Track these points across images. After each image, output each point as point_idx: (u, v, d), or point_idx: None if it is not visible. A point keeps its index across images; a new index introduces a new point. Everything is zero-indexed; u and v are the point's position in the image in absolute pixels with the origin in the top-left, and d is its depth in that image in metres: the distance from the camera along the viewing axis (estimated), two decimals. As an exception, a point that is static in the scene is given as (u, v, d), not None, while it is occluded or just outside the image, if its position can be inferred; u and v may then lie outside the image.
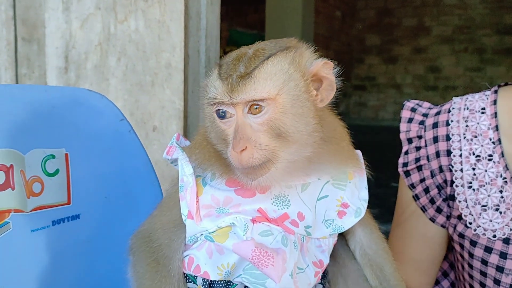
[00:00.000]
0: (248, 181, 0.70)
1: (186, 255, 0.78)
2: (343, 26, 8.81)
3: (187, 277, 0.78)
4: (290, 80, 0.70)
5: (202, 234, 0.76)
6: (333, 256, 0.85)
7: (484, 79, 7.99)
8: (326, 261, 0.81)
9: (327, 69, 0.75)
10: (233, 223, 0.74)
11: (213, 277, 0.76)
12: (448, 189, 1.08)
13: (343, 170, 0.80)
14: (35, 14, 1.74)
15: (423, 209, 1.12)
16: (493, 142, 1.03)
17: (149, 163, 1.02)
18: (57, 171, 0.88)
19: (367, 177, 0.84)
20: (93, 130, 0.95)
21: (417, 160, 1.12)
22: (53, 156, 0.88)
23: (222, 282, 0.76)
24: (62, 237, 0.88)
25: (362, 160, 0.84)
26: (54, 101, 0.91)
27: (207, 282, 0.76)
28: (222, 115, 0.70)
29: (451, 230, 1.11)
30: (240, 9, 9.00)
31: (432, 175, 1.10)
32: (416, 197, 1.13)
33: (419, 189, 1.12)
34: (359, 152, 0.84)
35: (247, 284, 0.76)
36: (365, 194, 0.83)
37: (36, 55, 1.76)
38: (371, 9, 9.12)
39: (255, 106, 0.68)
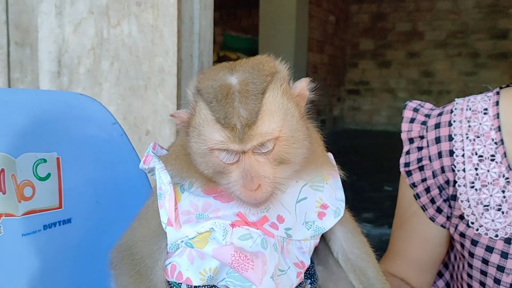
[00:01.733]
0: (253, 209, 0.73)
1: (169, 263, 0.78)
2: (337, 31, 8.85)
3: (171, 285, 0.78)
4: (287, 114, 0.71)
5: (182, 241, 0.76)
6: (323, 262, 0.86)
7: (478, 83, 8.04)
8: (307, 262, 0.81)
9: (306, 86, 0.77)
10: (212, 228, 0.75)
11: (195, 282, 0.76)
12: (451, 189, 1.09)
13: (320, 173, 0.82)
14: (28, 18, 1.74)
15: (423, 208, 1.13)
16: (496, 143, 1.04)
17: (141, 167, 1.02)
18: (48, 175, 0.88)
19: (341, 179, 0.85)
20: (85, 134, 0.95)
21: (419, 160, 1.12)
22: (45, 160, 0.88)
23: (206, 287, 0.77)
24: (54, 241, 0.88)
25: (334, 162, 0.85)
26: (45, 105, 0.91)
27: None
28: (227, 160, 0.70)
29: (452, 230, 1.12)
30: (234, 14, 9.02)
31: (434, 175, 1.10)
32: (417, 196, 1.14)
33: (420, 188, 1.13)
34: (330, 154, 0.86)
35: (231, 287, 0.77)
36: (341, 194, 0.84)
37: (29, 59, 1.76)
38: (365, 14, 9.16)
39: (261, 146, 0.69)
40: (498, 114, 1.05)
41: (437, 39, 8.57)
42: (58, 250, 0.89)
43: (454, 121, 1.08)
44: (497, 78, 7.87)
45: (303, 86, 0.76)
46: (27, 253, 0.84)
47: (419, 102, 1.19)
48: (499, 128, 1.04)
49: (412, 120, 1.15)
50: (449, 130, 1.08)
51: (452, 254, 1.22)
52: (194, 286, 0.76)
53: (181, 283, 0.77)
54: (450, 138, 1.08)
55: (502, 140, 1.03)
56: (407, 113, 1.17)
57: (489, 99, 1.08)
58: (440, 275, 1.27)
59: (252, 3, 7.83)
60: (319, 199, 0.81)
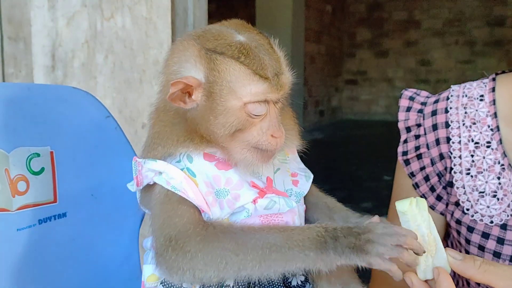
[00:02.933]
0: (261, 163, 0.76)
1: None
2: (333, 21, 8.82)
3: None
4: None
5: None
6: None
7: (475, 71, 8.03)
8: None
9: None
10: (234, 219, 0.76)
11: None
12: (447, 176, 1.09)
13: (289, 144, 0.85)
14: (21, 12, 1.73)
15: (423, 197, 1.13)
16: (492, 129, 1.03)
17: (136, 160, 1.01)
18: (42, 169, 0.88)
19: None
20: (78, 128, 0.95)
21: (417, 148, 1.12)
22: (38, 155, 0.87)
23: None
24: (49, 235, 0.88)
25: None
26: (38, 99, 0.91)
27: None
28: (260, 111, 0.73)
29: (448, 216, 1.12)
30: (230, 5, 8.98)
31: (432, 163, 1.10)
32: (416, 186, 1.13)
33: (419, 177, 1.13)
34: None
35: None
36: (302, 166, 0.88)
37: (23, 54, 1.75)
38: (361, 3, 9.13)
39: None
40: (494, 100, 1.05)
41: (434, 27, 8.55)
42: (54, 244, 0.89)
43: (451, 108, 1.08)
44: (494, 65, 7.86)
45: None
46: (22, 248, 0.84)
47: (414, 90, 1.18)
48: (495, 115, 1.04)
49: (408, 109, 1.15)
50: (446, 117, 1.08)
51: (449, 242, 1.22)
52: None
53: None
54: (447, 125, 1.08)
55: (498, 127, 1.03)
56: (403, 102, 1.16)
57: (485, 86, 1.08)
58: None
59: (248, -6, 7.80)
60: (288, 170, 0.84)
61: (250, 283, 0.78)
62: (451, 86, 1.13)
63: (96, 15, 1.66)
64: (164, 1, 1.60)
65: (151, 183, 0.76)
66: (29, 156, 0.86)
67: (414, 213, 0.73)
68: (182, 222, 0.73)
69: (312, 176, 0.87)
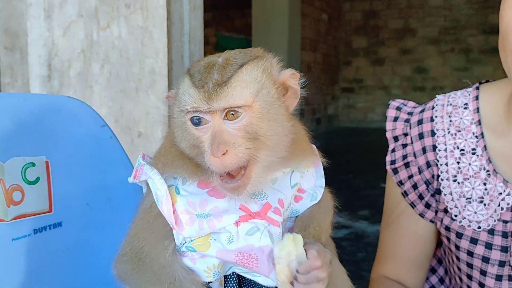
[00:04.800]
0: (231, 195, 0.73)
1: None
2: (329, 29, 8.86)
3: None
4: (263, 88, 0.72)
5: (183, 244, 0.77)
6: None
7: (471, 78, 8.04)
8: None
9: (293, 79, 0.77)
10: (214, 238, 0.76)
11: (203, 279, 0.77)
12: (435, 183, 1.10)
13: (303, 163, 0.84)
14: (17, 23, 1.73)
15: (412, 205, 1.14)
16: (476, 136, 1.05)
17: (131, 169, 1.01)
18: (37, 179, 0.88)
19: (324, 167, 0.88)
20: (73, 137, 0.95)
21: (404, 157, 1.13)
22: (33, 164, 0.87)
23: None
24: (44, 245, 0.87)
25: (317, 153, 0.87)
26: (33, 108, 0.91)
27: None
28: (197, 122, 0.72)
29: (438, 224, 1.12)
30: (226, 14, 9.02)
31: (420, 171, 1.11)
32: (405, 194, 1.14)
33: (407, 185, 1.14)
34: (314, 146, 0.88)
35: (241, 274, 0.79)
36: (321, 182, 0.86)
37: (19, 64, 1.75)
38: (357, 12, 9.18)
39: (232, 113, 0.70)
40: (478, 108, 1.07)
41: (430, 35, 8.59)
42: (49, 254, 0.89)
43: (436, 117, 1.10)
44: (489, 73, 7.90)
45: (288, 75, 0.77)
46: (18, 257, 0.84)
47: (402, 101, 1.20)
48: (479, 122, 1.06)
49: (395, 119, 1.17)
50: (431, 126, 1.10)
51: (442, 249, 1.23)
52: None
53: None
54: (433, 134, 1.10)
55: (482, 134, 1.05)
56: (391, 112, 1.19)
57: (469, 94, 1.10)
58: (433, 271, 1.27)
59: (245, 3, 7.83)
60: (298, 184, 0.83)
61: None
62: (437, 95, 1.15)
63: (92, 24, 1.67)
64: (160, 11, 1.61)
65: (146, 180, 0.80)
66: (24, 166, 0.86)
67: (289, 249, 0.74)
68: (149, 242, 0.77)
69: (318, 199, 0.84)
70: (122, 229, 1.00)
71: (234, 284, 0.81)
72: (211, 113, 0.71)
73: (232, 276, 0.81)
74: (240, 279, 0.82)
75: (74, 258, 0.92)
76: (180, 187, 0.78)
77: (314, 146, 0.88)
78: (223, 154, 0.68)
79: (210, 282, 0.78)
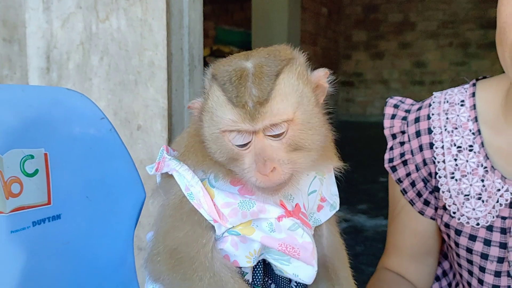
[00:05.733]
0: (269, 196, 0.71)
1: None
2: (329, 23, 8.83)
3: None
4: (303, 97, 0.69)
5: (226, 230, 0.76)
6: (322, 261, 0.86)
7: (469, 73, 8.06)
8: None
9: (325, 77, 0.75)
10: (256, 225, 0.75)
11: (242, 264, 0.77)
12: (433, 181, 1.10)
13: (328, 166, 0.81)
14: (16, 14, 1.72)
15: (411, 202, 1.14)
16: (473, 133, 1.05)
17: (131, 162, 1.01)
18: (36, 171, 0.87)
19: (338, 171, 0.85)
20: (72, 129, 0.94)
21: (402, 155, 1.14)
22: (32, 156, 0.87)
23: None
24: (43, 237, 0.87)
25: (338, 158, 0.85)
26: (32, 100, 0.90)
27: None
28: (238, 141, 0.69)
29: (438, 221, 1.13)
30: (226, 7, 8.98)
31: (417, 168, 1.11)
32: (404, 191, 1.15)
33: (406, 183, 1.14)
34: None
35: (270, 261, 0.79)
36: (335, 189, 0.84)
37: (18, 56, 1.74)
38: (357, 5, 9.15)
39: (274, 128, 0.67)
40: (474, 105, 1.07)
41: (429, 29, 8.58)
42: (48, 246, 0.88)
43: (433, 114, 1.10)
44: (487, 67, 7.89)
45: (321, 75, 0.74)
46: (16, 250, 0.83)
47: (399, 98, 1.21)
48: (476, 119, 1.06)
49: (393, 116, 1.17)
50: (428, 123, 1.10)
51: (446, 245, 1.23)
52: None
53: None
54: (430, 131, 1.10)
55: (479, 130, 1.05)
56: (388, 110, 1.19)
57: (466, 91, 1.10)
58: (444, 274, 1.28)
59: (244, -4, 7.80)
60: (320, 193, 0.81)
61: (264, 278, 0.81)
62: (434, 93, 1.15)
63: (91, 17, 1.66)
64: (159, 3, 1.60)
65: (170, 173, 0.77)
66: (23, 158, 0.86)
67: None
68: (184, 240, 0.74)
69: (337, 207, 0.83)
70: (121, 222, 1.00)
71: (260, 271, 0.80)
72: (253, 132, 0.68)
73: (259, 263, 0.80)
74: (265, 265, 0.82)
75: (73, 251, 0.92)
76: (212, 181, 0.76)
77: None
78: (271, 171, 0.67)
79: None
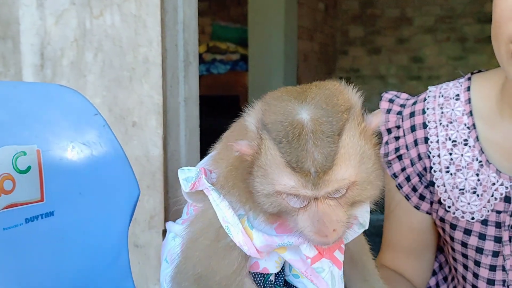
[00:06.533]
0: (321, 245, 0.71)
1: None
2: (326, 18, 8.82)
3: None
4: (364, 156, 0.65)
5: None
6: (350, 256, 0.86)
7: (467, 67, 8.05)
8: None
9: (380, 120, 0.72)
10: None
11: (272, 270, 0.78)
12: (428, 176, 1.10)
13: None
14: (9, 11, 1.71)
15: (407, 197, 1.14)
16: (468, 127, 1.05)
17: (125, 158, 1.00)
18: (29, 168, 0.87)
19: None
20: (65, 126, 0.94)
21: (397, 149, 1.13)
22: (24, 153, 0.86)
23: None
24: (36, 234, 0.87)
25: None
26: (24, 97, 0.90)
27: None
28: (295, 203, 0.66)
29: (434, 215, 1.13)
30: (222, 3, 8.95)
31: (412, 163, 1.11)
32: (399, 186, 1.14)
33: (401, 178, 1.14)
34: None
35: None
36: (367, 206, 0.80)
37: (11, 53, 1.73)
38: (354, 1, 9.13)
39: (335, 192, 0.65)
40: (469, 99, 1.07)
41: (426, 24, 8.57)
42: (41, 243, 0.88)
43: (428, 109, 1.10)
44: (485, 62, 7.89)
45: (378, 121, 0.70)
46: (9, 247, 0.83)
47: (395, 92, 1.20)
48: (471, 113, 1.06)
49: (388, 111, 1.17)
50: (423, 118, 1.10)
51: (442, 239, 1.23)
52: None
53: (256, 272, 0.78)
54: (425, 126, 1.10)
55: (474, 125, 1.05)
56: (383, 105, 1.19)
57: (461, 85, 1.10)
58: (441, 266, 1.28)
59: (240, -8, 7.78)
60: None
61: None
62: (429, 87, 1.15)
63: (85, 13, 1.65)
64: (154, -1, 1.60)
65: (207, 193, 0.75)
66: (15, 155, 0.85)
67: None
68: (216, 268, 0.74)
69: (366, 226, 0.81)
70: (115, 219, 1.00)
71: (283, 271, 0.81)
72: (314, 197, 0.65)
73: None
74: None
75: (66, 248, 0.91)
76: (251, 220, 0.74)
77: None
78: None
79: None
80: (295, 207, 0.66)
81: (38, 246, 0.87)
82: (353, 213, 0.69)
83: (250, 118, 0.69)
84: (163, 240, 1.71)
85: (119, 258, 1.00)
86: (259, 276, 0.78)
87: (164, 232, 1.72)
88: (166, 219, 1.72)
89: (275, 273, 0.79)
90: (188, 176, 0.77)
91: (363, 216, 0.80)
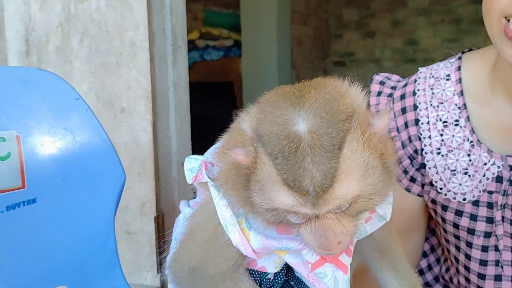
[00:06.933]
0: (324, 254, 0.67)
1: None
2: (320, 2, 8.76)
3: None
4: (369, 168, 0.59)
5: None
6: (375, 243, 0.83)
7: (462, 49, 8.02)
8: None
9: (387, 121, 0.64)
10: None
11: (270, 270, 0.75)
12: (419, 158, 1.08)
13: None
14: (-8, -3, 1.68)
15: (398, 180, 1.13)
16: (459, 107, 1.03)
17: (109, 143, 0.98)
18: (8, 154, 0.85)
19: None
20: (46, 111, 0.91)
21: (388, 132, 1.12)
22: (3, 139, 0.84)
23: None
24: (18, 222, 0.85)
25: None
26: (2, 81, 0.88)
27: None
28: (295, 220, 0.62)
29: (426, 197, 1.12)
30: (215, -11, 8.88)
31: (403, 146, 1.10)
32: None
33: None
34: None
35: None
36: (391, 196, 0.74)
37: (-4, 40, 1.71)
38: (347, -16, 9.07)
39: (336, 208, 0.60)
40: (460, 79, 1.05)
41: (420, 6, 8.52)
42: (23, 231, 0.86)
43: (418, 90, 1.08)
44: (480, 43, 7.86)
45: (385, 123, 0.63)
46: (-10, 235, 0.82)
47: (386, 74, 1.19)
48: (461, 93, 1.04)
49: (379, 94, 1.16)
50: (414, 100, 1.08)
51: (434, 221, 1.22)
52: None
53: (253, 269, 0.76)
54: (415, 107, 1.08)
55: (465, 104, 1.03)
56: (374, 87, 1.17)
57: (451, 65, 1.08)
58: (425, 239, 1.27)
59: (233, -23, 7.71)
60: None
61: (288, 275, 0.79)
62: (419, 68, 1.13)
63: (69, -3, 1.62)
64: (139, -19, 1.56)
65: (209, 186, 0.72)
66: (-6, 141, 0.83)
67: None
68: (214, 262, 0.72)
69: (388, 218, 0.75)
70: (101, 205, 0.98)
71: (283, 271, 0.78)
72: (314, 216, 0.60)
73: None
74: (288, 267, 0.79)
75: (50, 235, 0.90)
76: (250, 221, 0.70)
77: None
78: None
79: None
80: (296, 222, 0.62)
81: (21, 233, 0.86)
82: (359, 221, 0.64)
83: (246, 125, 0.64)
84: (155, 227, 1.71)
85: (106, 244, 0.98)
86: (256, 273, 0.76)
87: (156, 218, 1.71)
88: (157, 206, 1.70)
89: (275, 274, 0.77)
90: (193, 167, 0.74)
91: (385, 207, 0.74)
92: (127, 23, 1.58)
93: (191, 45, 6.72)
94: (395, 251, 0.83)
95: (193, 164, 0.74)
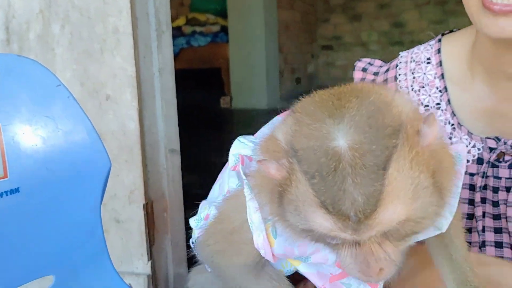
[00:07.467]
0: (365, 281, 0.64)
1: None
2: (306, -14, 8.70)
3: None
4: (419, 190, 0.53)
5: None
6: None
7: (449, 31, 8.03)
8: None
9: (437, 130, 0.57)
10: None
11: (286, 271, 0.76)
12: None
13: None
14: (-31, -16, 1.64)
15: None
16: (440, 91, 1.03)
17: (93, 130, 0.96)
18: (-12, 144, 0.83)
19: None
20: (26, 98, 0.89)
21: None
22: (-17, 128, 0.82)
23: None
24: (1, 212, 0.83)
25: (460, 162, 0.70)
26: (-21, 69, 0.85)
27: None
28: (335, 242, 0.57)
29: None
30: (200, -26, 8.77)
31: None
32: None
33: None
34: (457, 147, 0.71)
35: None
36: (455, 202, 0.66)
37: (-25, 29, 1.66)
38: (333, -33, 9.01)
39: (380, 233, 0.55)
40: (440, 61, 1.05)
41: (406, -12, 8.50)
42: (7, 221, 0.85)
43: (399, 75, 1.08)
44: (466, 24, 7.84)
45: (435, 132, 0.56)
46: (-28, 226, 0.80)
47: (368, 60, 1.18)
48: (442, 76, 1.03)
49: (362, 80, 1.15)
50: (396, 85, 1.07)
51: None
52: None
53: None
54: None
55: (446, 87, 1.03)
56: (357, 74, 1.16)
57: (432, 48, 1.07)
58: None
59: (217, -38, 7.61)
60: None
61: None
62: (400, 52, 1.12)
63: (49, -17, 1.58)
64: (120, -35, 1.53)
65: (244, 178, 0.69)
66: (-27, 130, 0.81)
67: None
68: (231, 263, 0.74)
69: (444, 229, 0.67)
70: (87, 193, 0.96)
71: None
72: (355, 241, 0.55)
73: None
74: None
75: (34, 225, 0.88)
76: (276, 228, 0.67)
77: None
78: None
79: None
80: (335, 244, 0.57)
81: (4, 223, 0.84)
82: (406, 246, 0.59)
83: (280, 135, 0.59)
84: (144, 214, 1.70)
85: (93, 232, 0.97)
86: None
87: (145, 206, 1.69)
88: (146, 193, 1.69)
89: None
90: (237, 153, 0.71)
91: (446, 215, 0.66)
92: (109, 8, 1.55)
93: (178, 32, 6.66)
94: (457, 245, 0.76)
95: (238, 149, 0.73)
